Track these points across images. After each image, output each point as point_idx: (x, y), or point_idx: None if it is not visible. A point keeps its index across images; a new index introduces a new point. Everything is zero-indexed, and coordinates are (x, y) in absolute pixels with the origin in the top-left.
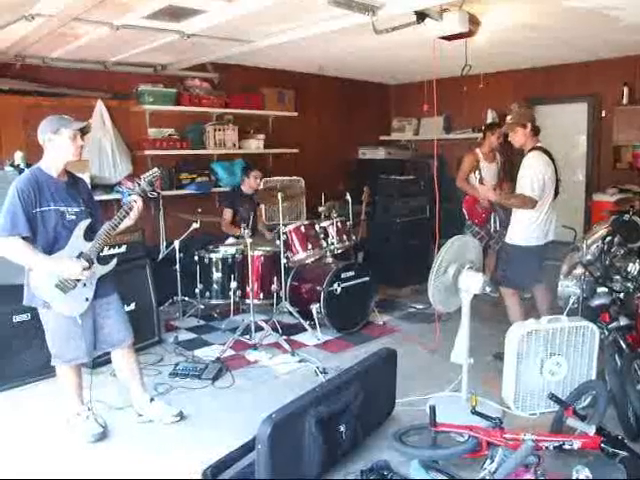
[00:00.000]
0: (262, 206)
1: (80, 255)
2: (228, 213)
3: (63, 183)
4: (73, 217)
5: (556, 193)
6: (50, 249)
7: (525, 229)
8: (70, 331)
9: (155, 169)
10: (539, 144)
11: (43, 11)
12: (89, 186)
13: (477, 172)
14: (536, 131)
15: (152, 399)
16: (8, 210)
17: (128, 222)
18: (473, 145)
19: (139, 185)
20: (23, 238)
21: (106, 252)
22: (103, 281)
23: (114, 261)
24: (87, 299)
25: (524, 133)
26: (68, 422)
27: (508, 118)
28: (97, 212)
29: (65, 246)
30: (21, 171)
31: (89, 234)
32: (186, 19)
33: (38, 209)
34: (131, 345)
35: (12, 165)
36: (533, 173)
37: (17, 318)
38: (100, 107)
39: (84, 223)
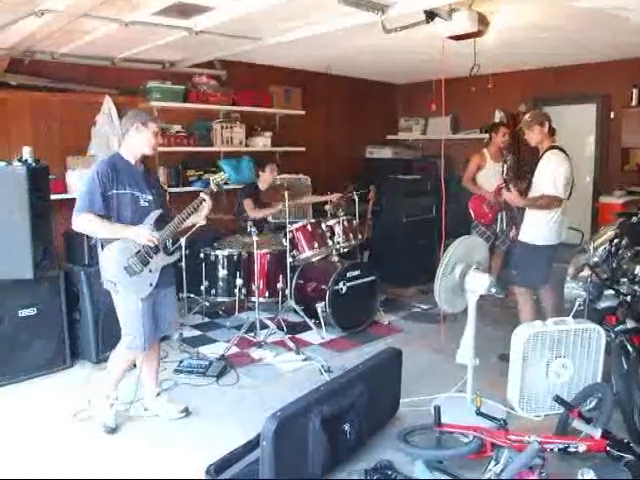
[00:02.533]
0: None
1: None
2: (249, 202)
3: (140, 171)
4: (146, 204)
5: (569, 194)
6: None
7: (542, 228)
8: (139, 314)
9: (222, 173)
10: (556, 143)
11: (52, 7)
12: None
13: (504, 166)
14: (552, 131)
15: (159, 394)
16: (87, 191)
17: (197, 219)
18: (480, 145)
19: (207, 186)
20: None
21: None
22: (165, 272)
23: (178, 253)
24: (151, 284)
25: (541, 131)
26: (89, 402)
27: (527, 116)
28: (166, 206)
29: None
30: (29, 166)
31: (159, 224)
32: (195, 16)
33: (115, 191)
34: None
35: (20, 160)
36: (555, 171)
37: (23, 312)
38: (108, 103)
39: (157, 212)
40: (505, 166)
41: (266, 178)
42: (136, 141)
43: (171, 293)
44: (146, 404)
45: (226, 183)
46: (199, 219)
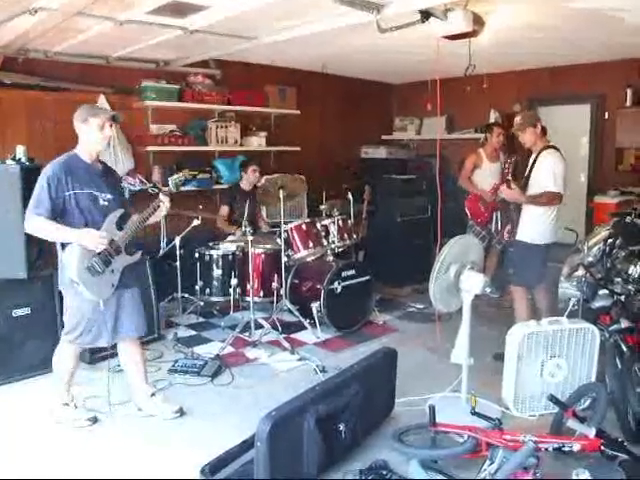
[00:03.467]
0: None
1: (111, 242)
2: (224, 210)
3: (97, 169)
4: (106, 203)
5: None
6: None
7: (538, 227)
8: (94, 314)
9: (181, 174)
10: (550, 143)
11: (46, 5)
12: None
13: (508, 165)
14: (544, 131)
15: (153, 394)
16: (36, 194)
17: (154, 219)
18: (476, 145)
19: (162, 187)
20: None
21: None
22: (127, 272)
23: (139, 253)
24: (113, 285)
25: (534, 132)
26: (52, 413)
27: (517, 119)
28: (126, 205)
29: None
30: (22, 165)
31: (120, 224)
32: (190, 15)
33: (71, 191)
34: (140, 338)
35: (13, 159)
36: (554, 169)
37: (17, 312)
38: (102, 102)
39: (119, 211)
40: (508, 164)
41: (248, 178)
42: (85, 139)
43: (135, 295)
44: (139, 404)
45: (184, 184)
46: (156, 218)
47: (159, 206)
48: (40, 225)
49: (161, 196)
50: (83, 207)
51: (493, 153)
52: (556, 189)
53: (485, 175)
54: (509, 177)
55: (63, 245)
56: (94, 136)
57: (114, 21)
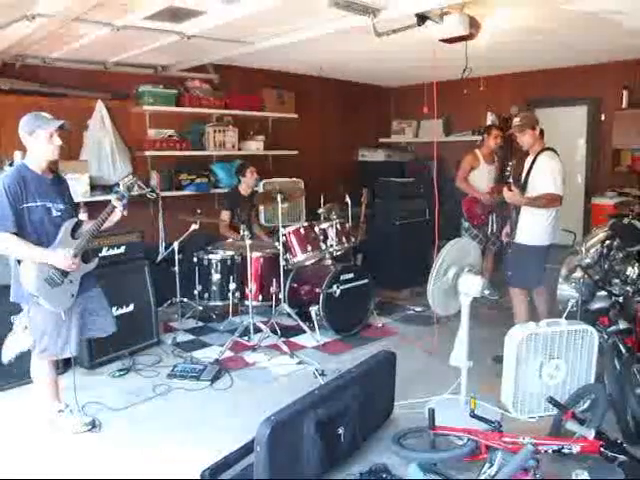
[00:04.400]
0: (261, 207)
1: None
2: (226, 215)
3: (48, 180)
4: (59, 214)
5: None
6: (39, 245)
7: (537, 228)
8: (57, 325)
9: (130, 176)
10: (547, 145)
11: (44, 11)
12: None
13: (509, 168)
14: (542, 134)
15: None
16: None
17: (108, 224)
18: (473, 147)
19: (118, 191)
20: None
21: (105, 253)
22: (86, 278)
23: (96, 259)
24: (73, 295)
25: (532, 135)
26: (52, 423)
27: (516, 120)
28: (78, 211)
29: (54, 242)
30: None
31: (74, 233)
32: (187, 20)
33: (25, 204)
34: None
35: (11, 165)
36: (554, 171)
37: (15, 318)
38: (100, 107)
39: (72, 221)
40: (510, 167)
41: (247, 182)
42: (34, 150)
43: (98, 296)
44: None
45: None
46: (110, 224)
47: (112, 211)
48: (9, 243)
49: (113, 201)
50: (35, 220)
51: (489, 155)
52: (556, 191)
53: (482, 176)
54: (510, 180)
55: (19, 260)
56: (43, 148)
57: (112, 27)
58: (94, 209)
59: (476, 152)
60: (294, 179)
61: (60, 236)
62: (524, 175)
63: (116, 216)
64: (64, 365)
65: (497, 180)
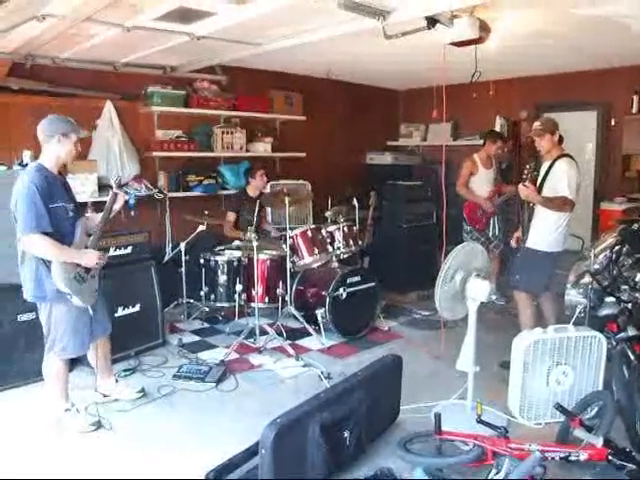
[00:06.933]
0: (268, 209)
1: (86, 249)
2: (231, 216)
3: (61, 181)
4: (72, 213)
5: None
6: (61, 243)
7: (550, 235)
8: (77, 323)
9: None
10: (565, 152)
11: (54, 12)
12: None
13: (528, 167)
14: (561, 140)
15: (117, 380)
16: (30, 207)
17: (113, 213)
18: (471, 152)
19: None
20: (45, 233)
21: (112, 253)
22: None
23: (106, 256)
24: (95, 290)
25: (551, 140)
26: (58, 422)
27: (536, 124)
28: (82, 211)
29: (75, 240)
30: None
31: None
32: (196, 21)
33: (50, 205)
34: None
35: (20, 164)
36: (570, 177)
37: (22, 317)
38: (109, 108)
39: (83, 219)
40: (526, 169)
41: (256, 184)
42: (57, 152)
43: (101, 295)
44: (106, 391)
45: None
46: (115, 212)
47: (115, 200)
48: (44, 242)
49: (115, 189)
50: (57, 220)
51: (487, 159)
52: (570, 196)
53: (481, 181)
54: (524, 176)
55: (42, 259)
56: (66, 151)
57: (121, 27)
58: (101, 209)
59: (474, 157)
60: (301, 181)
61: (77, 235)
62: (540, 179)
63: (119, 204)
64: (70, 364)
65: (498, 182)
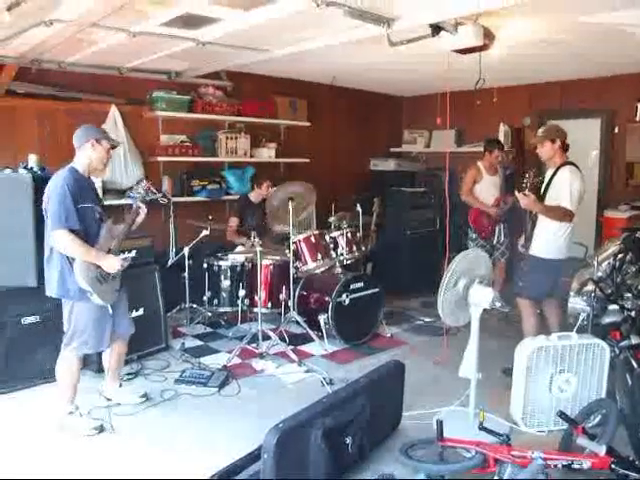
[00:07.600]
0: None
1: (109, 251)
2: (234, 221)
3: (91, 184)
4: (98, 215)
5: None
6: (86, 242)
7: (552, 242)
8: (99, 320)
9: (145, 180)
10: (569, 160)
11: (61, 17)
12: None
13: (527, 175)
14: (566, 148)
15: (121, 385)
16: (60, 204)
17: (135, 225)
18: (475, 159)
19: (140, 193)
20: (72, 231)
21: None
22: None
23: (129, 258)
24: (116, 290)
25: (552, 147)
26: (62, 425)
27: (540, 130)
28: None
29: (99, 241)
30: (34, 174)
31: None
32: (202, 27)
33: (80, 205)
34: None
35: (25, 167)
36: (572, 187)
37: (27, 320)
38: (114, 112)
39: (110, 223)
40: (528, 177)
41: (261, 192)
42: (91, 157)
43: (124, 296)
44: (110, 395)
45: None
46: (137, 225)
47: (138, 213)
48: (69, 238)
49: (139, 203)
50: (85, 220)
51: (491, 166)
52: (569, 207)
53: (487, 188)
54: (524, 184)
55: (69, 258)
56: (99, 157)
57: (127, 32)
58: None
59: (478, 165)
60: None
61: (102, 236)
62: (543, 187)
63: (141, 217)
64: None
65: (503, 189)
